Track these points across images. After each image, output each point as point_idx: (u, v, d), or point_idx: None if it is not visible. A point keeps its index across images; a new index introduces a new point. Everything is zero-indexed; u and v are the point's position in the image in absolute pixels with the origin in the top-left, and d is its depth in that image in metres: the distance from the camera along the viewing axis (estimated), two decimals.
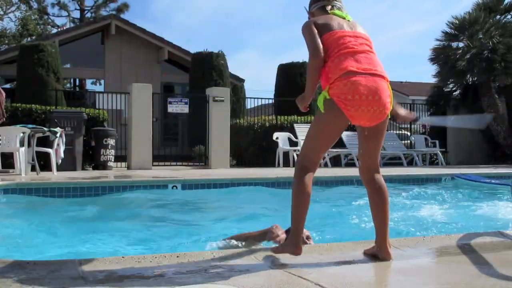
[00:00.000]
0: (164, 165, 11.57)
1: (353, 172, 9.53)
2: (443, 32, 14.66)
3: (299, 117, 13.45)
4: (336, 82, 2.35)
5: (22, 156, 8.14)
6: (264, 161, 12.54)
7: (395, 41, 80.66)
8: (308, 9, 2.73)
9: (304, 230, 2.60)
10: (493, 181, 7.91)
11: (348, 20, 2.61)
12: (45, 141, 8.92)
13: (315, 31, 2.48)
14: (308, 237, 2.95)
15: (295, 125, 12.80)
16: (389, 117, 2.48)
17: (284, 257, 2.42)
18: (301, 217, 2.40)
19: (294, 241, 2.40)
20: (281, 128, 12.86)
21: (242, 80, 18.49)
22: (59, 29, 26.48)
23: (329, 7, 2.64)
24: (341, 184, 8.03)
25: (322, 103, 2.39)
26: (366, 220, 4.58)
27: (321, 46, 2.43)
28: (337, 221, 4.43)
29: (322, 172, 9.47)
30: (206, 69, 14.98)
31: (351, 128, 13.88)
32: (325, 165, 12.33)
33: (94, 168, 10.54)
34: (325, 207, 5.62)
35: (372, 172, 2.53)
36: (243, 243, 2.95)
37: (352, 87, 2.33)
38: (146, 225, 4.52)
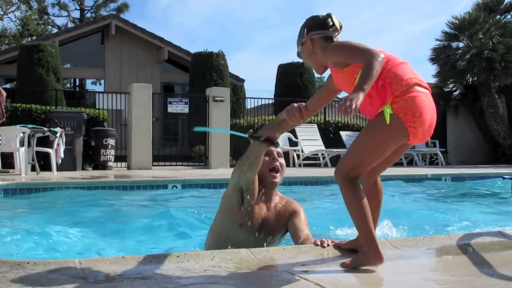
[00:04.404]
0: (164, 165, 11.57)
1: None
2: (443, 32, 14.68)
3: None
4: (403, 97, 2.15)
5: (22, 156, 8.14)
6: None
7: (395, 41, 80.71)
8: (305, 33, 2.41)
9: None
10: None
11: None
12: (45, 141, 8.92)
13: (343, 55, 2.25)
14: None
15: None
16: None
17: (284, 257, 2.42)
18: (371, 226, 2.23)
19: (373, 250, 2.20)
20: None
21: (242, 80, 18.48)
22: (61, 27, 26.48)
23: (335, 39, 2.38)
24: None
25: (388, 117, 2.15)
26: None
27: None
28: (337, 221, 4.43)
29: (323, 172, 9.47)
30: (206, 69, 14.98)
31: (351, 128, 13.90)
32: (325, 165, 12.33)
33: (94, 168, 10.55)
34: (326, 207, 5.62)
35: (377, 176, 2.47)
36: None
37: (420, 104, 2.16)
38: (146, 225, 4.51)
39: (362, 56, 2.15)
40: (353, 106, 1.96)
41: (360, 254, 2.30)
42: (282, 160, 2.91)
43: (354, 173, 2.24)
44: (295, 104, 2.46)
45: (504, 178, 8.61)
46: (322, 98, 2.62)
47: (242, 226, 2.78)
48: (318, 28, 2.38)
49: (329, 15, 2.40)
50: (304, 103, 2.50)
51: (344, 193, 2.25)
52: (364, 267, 2.23)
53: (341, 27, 2.40)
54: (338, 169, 2.27)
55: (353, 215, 2.24)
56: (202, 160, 12.27)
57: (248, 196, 2.78)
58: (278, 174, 2.87)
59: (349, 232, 3.88)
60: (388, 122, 2.14)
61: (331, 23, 2.37)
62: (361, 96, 2.00)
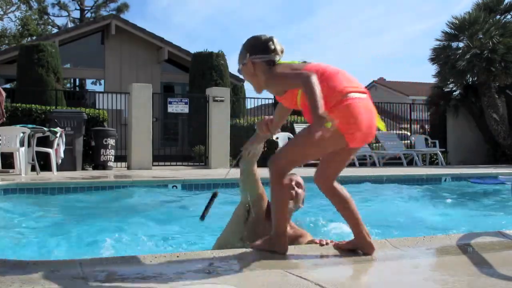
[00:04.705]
0: (164, 165, 11.56)
1: (353, 172, 9.52)
2: (443, 32, 14.66)
3: (299, 117, 13.45)
4: (337, 106, 2.27)
5: (22, 156, 8.14)
6: (264, 161, 12.49)
7: (395, 41, 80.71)
8: (248, 56, 2.47)
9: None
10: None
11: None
12: (45, 141, 8.92)
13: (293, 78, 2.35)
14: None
15: (295, 125, 12.80)
16: None
17: (284, 257, 2.42)
18: (286, 218, 2.47)
19: (282, 241, 2.45)
20: (281, 128, 12.82)
21: (242, 80, 18.46)
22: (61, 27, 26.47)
23: (277, 62, 2.47)
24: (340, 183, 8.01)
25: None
26: (366, 220, 4.57)
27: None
28: (337, 221, 4.43)
29: None
30: (206, 69, 14.98)
31: None
32: None
33: (94, 168, 10.54)
34: (324, 207, 5.61)
35: (333, 182, 2.56)
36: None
37: (354, 111, 2.27)
38: (146, 225, 4.52)
39: (298, 80, 2.26)
40: (324, 133, 2.12)
41: (269, 239, 2.47)
42: (299, 190, 2.96)
43: (286, 167, 2.43)
44: (266, 117, 2.73)
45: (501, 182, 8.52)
46: (282, 113, 2.78)
47: (242, 240, 2.84)
48: (260, 52, 2.45)
49: (271, 39, 2.46)
50: (272, 117, 2.72)
51: (273, 183, 2.43)
52: (270, 251, 2.43)
53: (282, 51, 2.47)
54: (273, 160, 2.43)
55: (274, 205, 2.46)
56: (202, 160, 12.27)
57: (253, 212, 2.86)
58: (291, 201, 2.90)
59: (347, 231, 3.88)
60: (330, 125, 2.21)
61: (272, 47, 2.44)
62: (321, 121, 2.11)
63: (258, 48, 2.46)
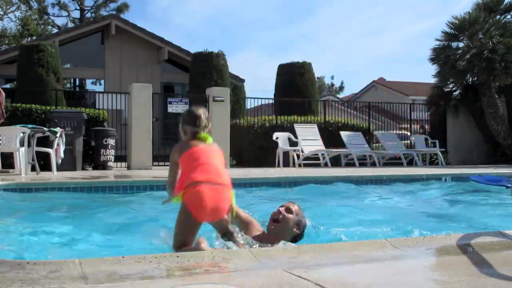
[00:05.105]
0: (164, 165, 11.54)
1: (353, 172, 9.52)
2: (443, 32, 14.66)
3: (299, 117, 13.46)
4: (187, 190, 3.00)
5: (22, 156, 8.14)
6: (264, 161, 12.54)
7: (395, 41, 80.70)
8: (181, 125, 3.37)
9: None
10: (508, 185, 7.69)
11: (208, 142, 3.33)
12: (45, 141, 8.92)
13: (176, 157, 3.33)
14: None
15: (295, 125, 12.81)
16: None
17: (284, 257, 2.42)
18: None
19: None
20: (281, 128, 12.86)
21: (242, 80, 18.47)
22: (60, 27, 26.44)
23: (199, 134, 3.31)
24: (340, 183, 8.02)
25: (176, 202, 3.10)
26: (366, 220, 4.58)
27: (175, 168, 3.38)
28: (337, 221, 4.43)
29: (323, 172, 9.47)
30: (206, 69, 14.97)
31: (351, 128, 13.91)
32: (325, 165, 12.33)
33: (94, 168, 10.55)
34: (325, 206, 5.62)
35: None
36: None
37: (200, 196, 2.95)
38: (146, 225, 4.51)
39: (171, 157, 3.42)
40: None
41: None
42: (288, 215, 3.23)
43: (182, 247, 2.96)
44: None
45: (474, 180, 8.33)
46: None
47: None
48: (191, 124, 3.31)
49: (199, 116, 3.30)
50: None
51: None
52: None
53: (205, 127, 3.32)
54: (173, 248, 3.06)
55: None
56: None
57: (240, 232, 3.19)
58: (276, 223, 3.22)
59: (345, 230, 3.88)
60: (177, 202, 3.09)
61: (198, 123, 3.29)
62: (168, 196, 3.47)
63: (189, 121, 3.31)
